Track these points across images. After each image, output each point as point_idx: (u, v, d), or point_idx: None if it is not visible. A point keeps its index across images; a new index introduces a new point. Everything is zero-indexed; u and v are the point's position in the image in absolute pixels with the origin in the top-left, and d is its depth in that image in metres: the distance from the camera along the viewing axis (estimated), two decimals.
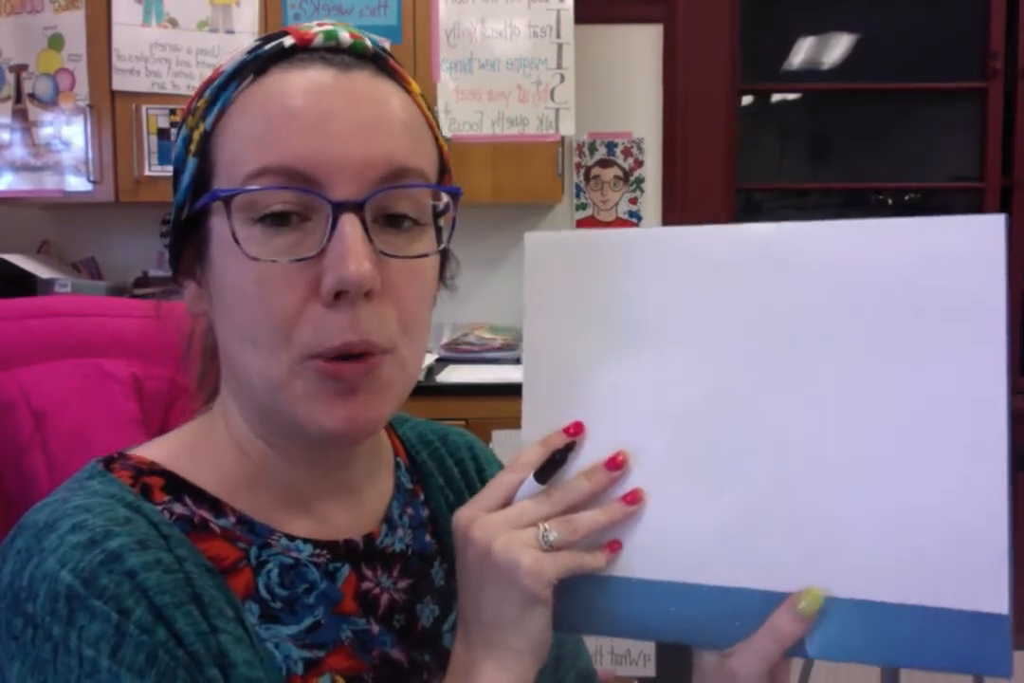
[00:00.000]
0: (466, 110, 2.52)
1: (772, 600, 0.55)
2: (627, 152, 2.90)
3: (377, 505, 0.67)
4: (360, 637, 0.61)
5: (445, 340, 2.70)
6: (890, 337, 0.53)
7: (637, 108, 2.91)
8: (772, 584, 0.55)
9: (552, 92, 2.51)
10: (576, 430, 0.58)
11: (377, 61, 0.59)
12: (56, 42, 2.45)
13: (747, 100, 3.05)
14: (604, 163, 2.90)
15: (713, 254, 0.57)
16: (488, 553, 0.54)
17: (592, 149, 2.89)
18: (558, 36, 2.50)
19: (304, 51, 0.57)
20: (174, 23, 2.46)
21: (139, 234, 2.73)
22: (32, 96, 2.47)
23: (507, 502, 0.57)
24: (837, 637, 0.54)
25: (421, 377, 2.36)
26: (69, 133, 2.47)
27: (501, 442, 2.32)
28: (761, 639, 0.54)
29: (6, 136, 2.48)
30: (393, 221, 0.56)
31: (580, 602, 0.58)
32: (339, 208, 0.53)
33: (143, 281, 2.61)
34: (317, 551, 0.61)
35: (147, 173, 2.45)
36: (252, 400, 0.59)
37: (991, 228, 0.51)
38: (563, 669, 0.73)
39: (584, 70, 2.69)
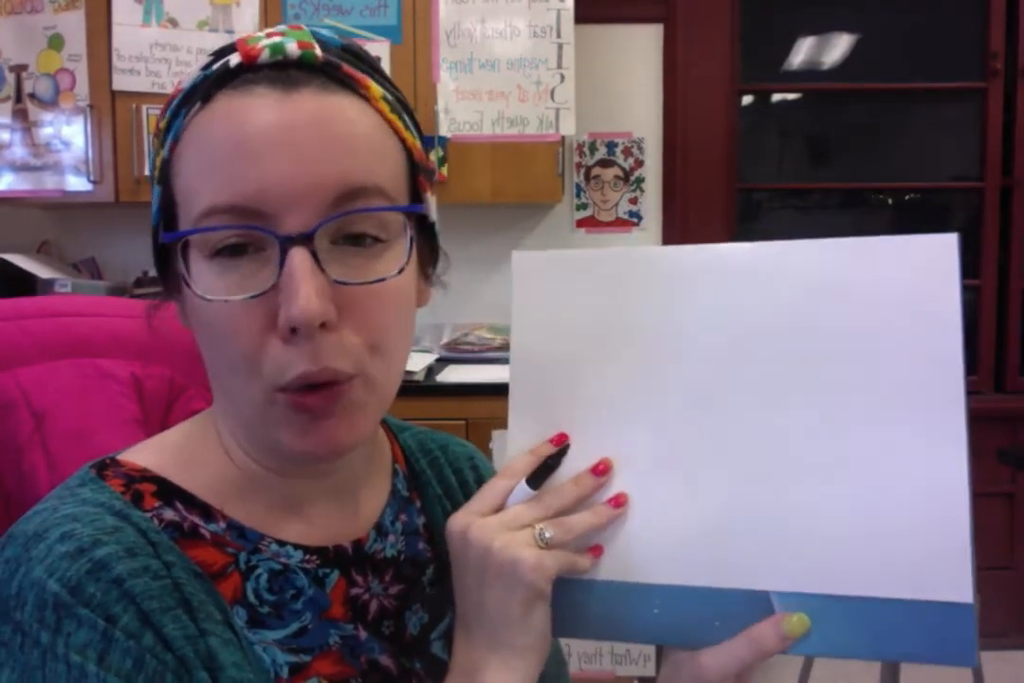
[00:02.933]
0: (466, 110, 2.52)
1: (751, 599, 0.57)
2: (627, 152, 2.90)
3: (372, 510, 0.67)
4: (348, 643, 0.61)
5: (445, 340, 2.70)
6: (855, 341, 0.56)
7: (637, 108, 2.91)
8: (749, 583, 0.57)
9: (552, 92, 2.51)
10: (560, 440, 0.61)
11: (328, 71, 0.56)
12: (56, 42, 2.45)
13: (747, 100, 3.05)
14: (604, 163, 2.90)
15: (688, 270, 0.60)
16: (489, 553, 0.56)
17: (592, 149, 2.89)
18: (558, 36, 2.50)
19: (250, 70, 0.55)
20: (174, 23, 2.46)
21: (139, 234, 2.73)
22: (32, 96, 2.48)
23: (500, 507, 0.59)
24: (811, 632, 0.56)
25: (421, 377, 2.36)
26: (69, 133, 2.47)
27: (501, 442, 2.32)
28: (739, 644, 0.56)
29: (6, 136, 2.48)
30: (355, 240, 0.55)
31: (568, 607, 0.60)
32: (287, 242, 0.52)
33: (143, 281, 2.61)
34: (307, 557, 0.61)
35: (147, 173, 2.45)
36: (236, 418, 0.60)
37: (946, 245, 0.55)
38: None
39: (584, 70, 2.69)
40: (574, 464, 0.61)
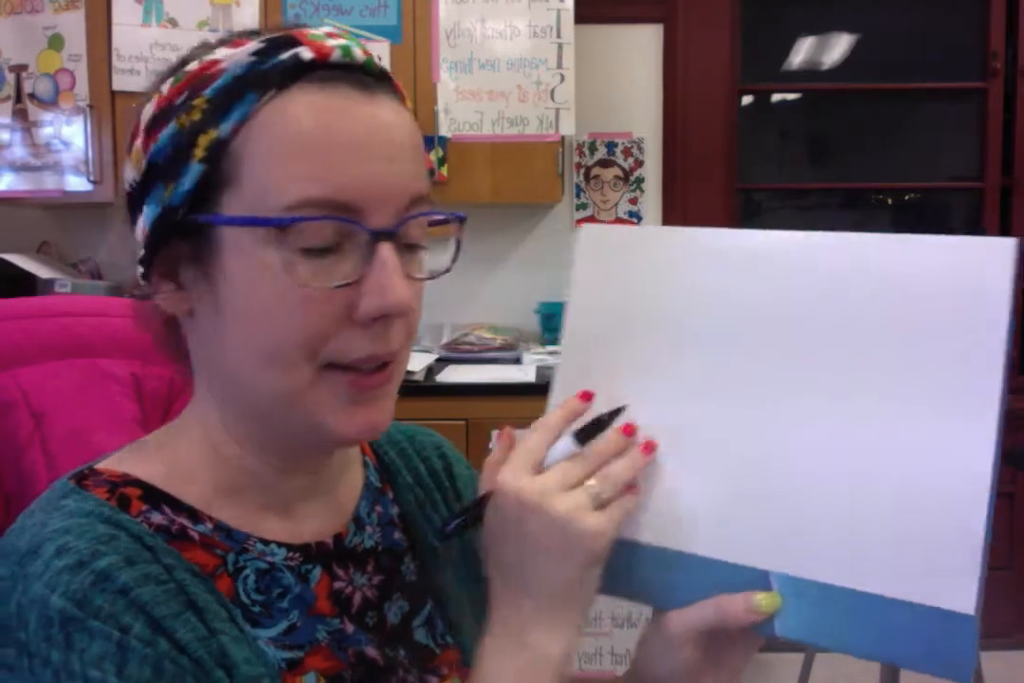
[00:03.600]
0: (466, 110, 2.52)
1: (752, 576, 0.58)
2: (627, 152, 2.90)
3: (349, 503, 0.68)
4: (336, 637, 0.62)
5: (445, 340, 2.70)
6: (898, 335, 0.55)
7: (637, 108, 2.91)
8: (752, 560, 0.58)
9: (552, 92, 2.51)
10: (585, 397, 0.63)
11: (387, 80, 0.59)
12: (56, 42, 2.45)
13: (747, 100, 3.05)
14: (604, 163, 2.90)
15: (740, 254, 0.61)
16: (551, 520, 0.56)
17: (592, 149, 2.89)
18: (558, 36, 2.50)
19: (323, 67, 0.56)
20: (174, 23, 2.46)
21: None
22: (32, 96, 2.48)
23: (541, 462, 0.60)
24: (802, 618, 0.56)
25: (421, 377, 2.36)
26: (69, 133, 2.47)
27: None
28: (707, 606, 0.58)
29: (6, 136, 2.48)
30: (409, 246, 0.59)
31: None
32: (377, 236, 0.55)
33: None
34: (290, 554, 0.62)
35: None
36: (249, 408, 0.60)
37: (1002, 248, 0.53)
38: None
39: (584, 70, 2.69)
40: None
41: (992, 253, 0.53)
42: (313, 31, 0.57)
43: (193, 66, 0.57)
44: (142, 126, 0.58)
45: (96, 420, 0.84)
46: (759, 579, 0.57)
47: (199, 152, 0.55)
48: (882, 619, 0.54)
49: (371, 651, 0.64)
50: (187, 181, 0.55)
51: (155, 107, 0.57)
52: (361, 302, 0.55)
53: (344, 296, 0.55)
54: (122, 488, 0.58)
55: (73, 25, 2.44)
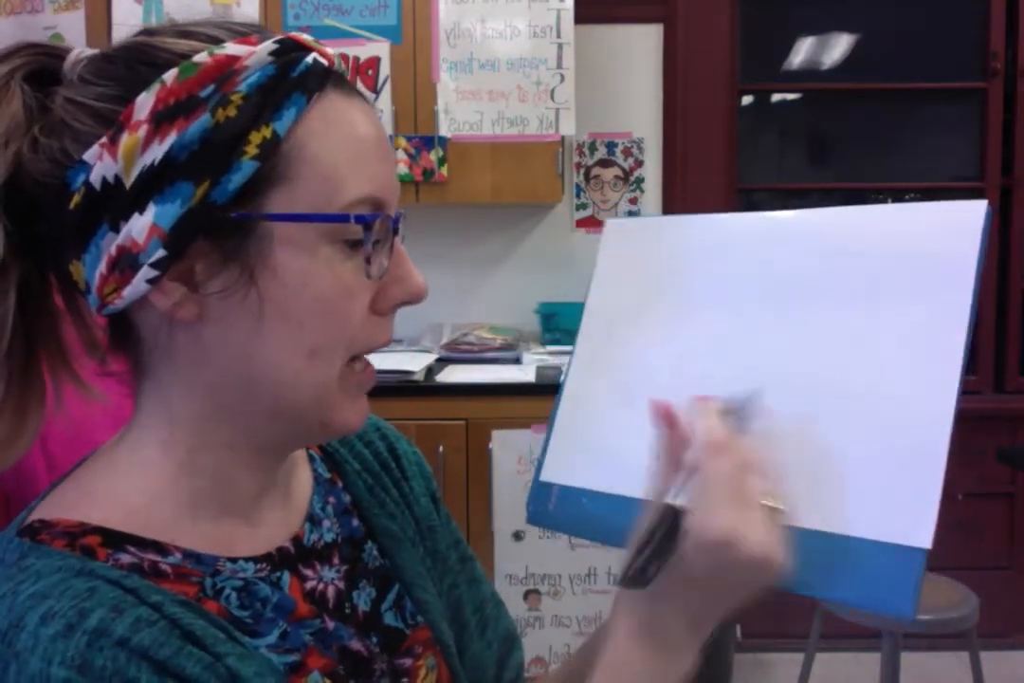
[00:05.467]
0: (466, 110, 2.52)
1: None
2: (627, 152, 2.90)
3: (302, 499, 0.69)
4: (319, 637, 0.62)
5: (445, 340, 2.70)
6: (875, 292, 0.60)
7: (637, 108, 2.91)
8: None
9: (552, 92, 2.51)
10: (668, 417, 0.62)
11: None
12: (56, 42, 2.45)
13: (747, 100, 3.05)
14: (604, 163, 2.91)
15: (740, 232, 0.68)
16: (748, 560, 0.54)
17: (592, 149, 2.89)
18: (558, 36, 2.50)
19: (330, 72, 0.58)
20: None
21: None
22: None
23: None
24: None
25: (421, 377, 2.36)
26: None
27: (501, 442, 2.32)
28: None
29: None
30: None
31: (567, 510, 0.70)
32: (396, 230, 0.59)
33: None
34: (259, 566, 0.61)
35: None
36: (258, 404, 0.58)
37: (974, 208, 0.61)
38: (489, 632, 0.77)
39: (584, 70, 2.69)
40: (617, 385, 0.70)
41: (963, 214, 0.60)
42: (306, 36, 0.58)
43: (204, 58, 0.53)
44: (140, 118, 0.53)
45: (96, 420, 0.84)
46: None
47: (251, 149, 0.53)
48: (830, 557, 0.55)
49: (355, 644, 0.65)
50: (237, 178, 0.53)
51: (161, 99, 0.53)
52: (388, 292, 0.59)
53: (372, 287, 0.58)
54: (81, 539, 0.55)
55: (73, 25, 2.44)
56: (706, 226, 0.70)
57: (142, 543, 0.57)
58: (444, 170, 2.52)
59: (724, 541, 0.54)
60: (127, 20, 2.43)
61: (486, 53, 2.50)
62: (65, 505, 0.58)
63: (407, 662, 0.68)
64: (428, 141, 2.51)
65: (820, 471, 0.57)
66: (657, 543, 0.55)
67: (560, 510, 0.71)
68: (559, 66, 2.50)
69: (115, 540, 0.56)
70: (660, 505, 0.56)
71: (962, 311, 0.56)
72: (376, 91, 2.49)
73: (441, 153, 2.51)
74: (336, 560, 0.67)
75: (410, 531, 0.74)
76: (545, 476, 0.73)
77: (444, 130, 2.51)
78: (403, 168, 2.51)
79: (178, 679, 0.51)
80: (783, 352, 0.62)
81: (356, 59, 2.48)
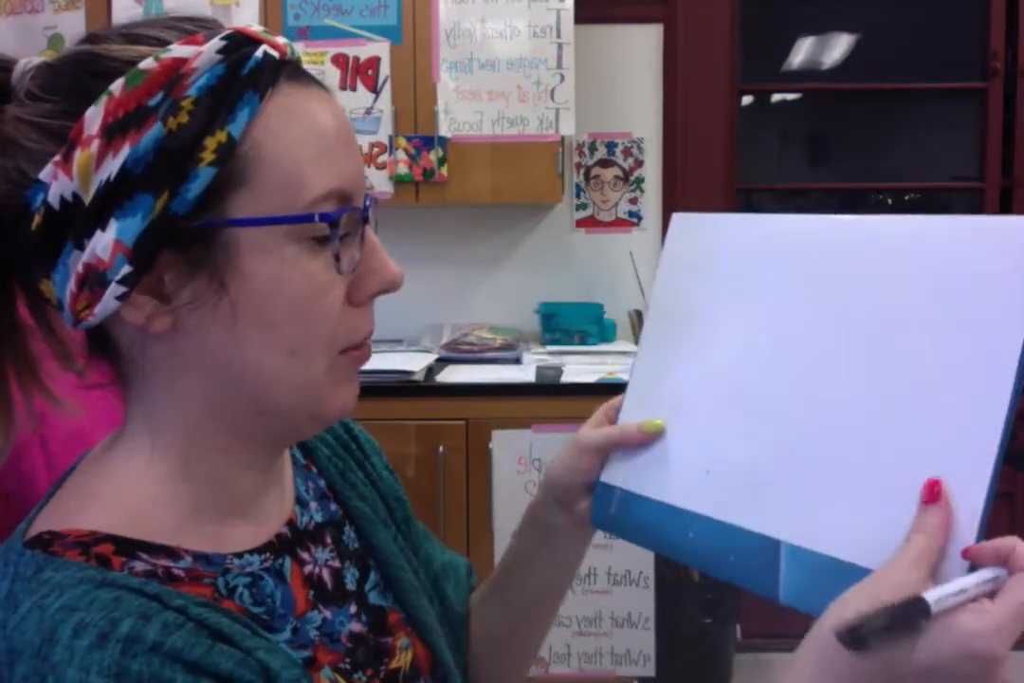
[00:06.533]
0: (466, 110, 2.52)
1: (764, 544, 0.61)
2: (627, 152, 2.90)
3: (289, 484, 0.70)
4: (323, 631, 0.63)
5: (445, 340, 2.70)
6: (925, 314, 0.58)
7: (637, 108, 2.91)
8: (767, 529, 0.61)
9: (552, 92, 2.51)
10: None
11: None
12: (56, 42, 2.45)
13: (747, 100, 3.05)
14: (604, 163, 2.90)
15: (799, 235, 0.68)
16: (983, 664, 0.50)
17: (592, 149, 2.89)
18: (558, 36, 2.50)
19: (283, 64, 0.56)
20: None
21: None
22: None
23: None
24: (803, 587, 0.59)
25: (420, 377, 2.36)
26: None
27: (501, 442, 2.32)
28: (612, 428, 0.73)
29: None
30: None
31: (627, 516, 0.71)
32: (365, 220, 0.58)
33: None
34: (263, 557, 0.62)
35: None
36: (245, 408, 0.59)
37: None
38: (442, 582, 0.81)
39: (584, 70, 2.69)
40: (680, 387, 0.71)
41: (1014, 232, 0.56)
42: (255, 27, 0.56)
43: (150, 64, 0.52)
44: (91, 132, 0.51)
45: (95, 420, 0.84)
46: (770, 546, 0.60)
47: (207, 155, 0.52)
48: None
49: (356, 626, 0.66)
50: (195, 187, 0.52)
51: (110, 111, 0.51)
52: (364, 283, 0.58)
53: (344, 281, 0.57)
54: (94, 547, 0.55)
55: (73, 25, 2.44)
56: (776, 228, 0.69)
57: (152, 548, 0.57)
58: (444, 170, 2.52)
59: (985, 657, 0.49)
60: (127, 20, 2.43)
61: (486, 53, 2.50)
62: (69, 514, 0.57)
63: (388, 641, 0.69)
64: (428, 141, 2.51)
65: (877, 516, 0.57)
66: (893, 621, 0.50)
67: (621, 514, 0.72)
68: (559, 66, 2.50)
69: (126, 547, 0.56)
70: (913, 596, 0.51)
71: (1011, 349, 0.54)
72: (376, 91, 2.49)
73: (441, 153, 2.51)
74: (328, 540, 0.69)
75: (381, 512, 0.76)
76: (605, 477, 0.73)
77: (444, 130, 2.51)
78: (403, 168, 2.51)
79: (213, 677, 0.51)
80: (830, 386, 0.61)
81: (356, 59, 2.48)
